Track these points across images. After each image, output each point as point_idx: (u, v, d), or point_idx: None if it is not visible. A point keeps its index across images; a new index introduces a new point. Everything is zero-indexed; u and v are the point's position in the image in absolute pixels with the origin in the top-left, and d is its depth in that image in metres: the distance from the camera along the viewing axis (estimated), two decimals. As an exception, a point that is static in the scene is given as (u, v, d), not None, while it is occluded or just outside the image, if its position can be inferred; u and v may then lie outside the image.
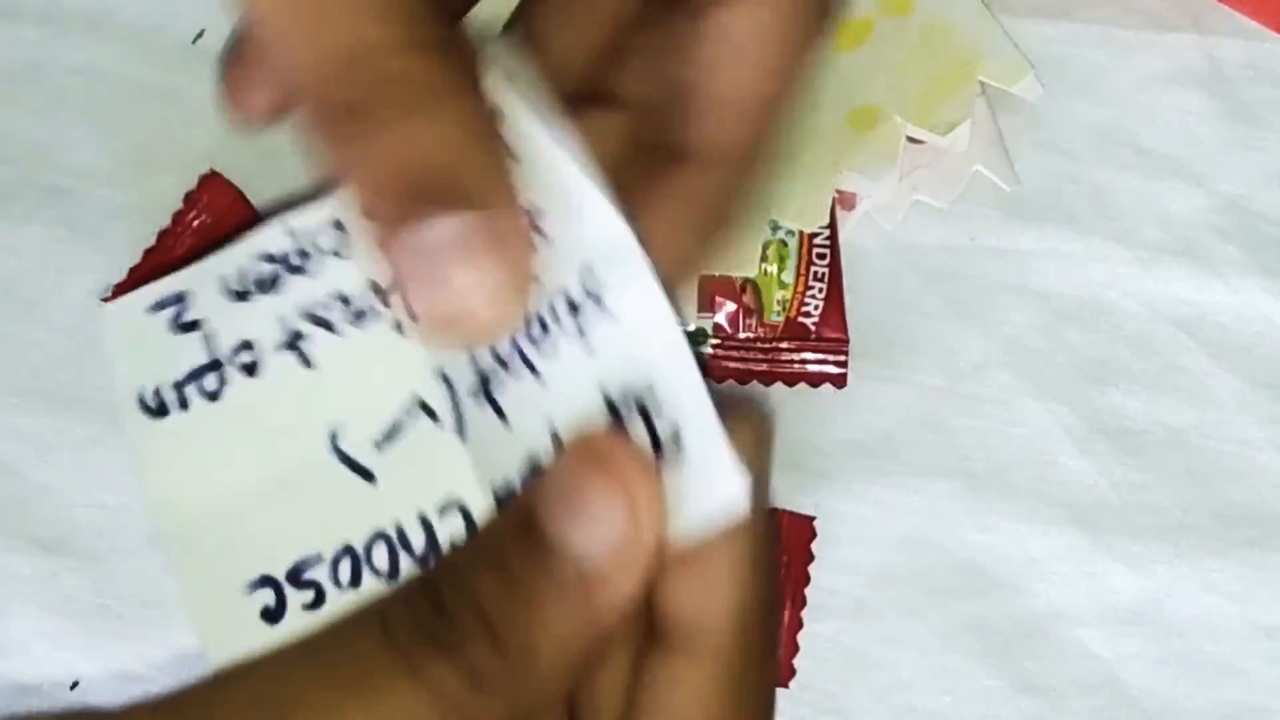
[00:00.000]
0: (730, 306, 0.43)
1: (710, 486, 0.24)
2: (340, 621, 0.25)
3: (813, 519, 0.41)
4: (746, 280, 0.43)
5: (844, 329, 0.43)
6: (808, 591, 0.40)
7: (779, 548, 0.40)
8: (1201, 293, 0.42)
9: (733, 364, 0.43)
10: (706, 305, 0.43)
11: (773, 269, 0.43)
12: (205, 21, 0.44)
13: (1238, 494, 0.41)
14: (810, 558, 0.40)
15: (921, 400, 0.42)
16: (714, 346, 0.43)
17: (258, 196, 0.43)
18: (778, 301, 0.43)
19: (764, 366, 0.43)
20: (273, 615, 0.29)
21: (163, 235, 0.43)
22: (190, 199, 0.43)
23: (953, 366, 0.42)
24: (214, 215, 0.43)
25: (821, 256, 0.43)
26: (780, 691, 0.39)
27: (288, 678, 0.25)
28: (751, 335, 0.43)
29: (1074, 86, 0.43)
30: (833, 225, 0.43)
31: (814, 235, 0.43)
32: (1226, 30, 0.42)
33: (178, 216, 0.43)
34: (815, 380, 0.42)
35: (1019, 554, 0.41)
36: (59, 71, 0.44)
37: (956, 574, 0.41)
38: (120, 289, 0.42)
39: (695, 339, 0.43)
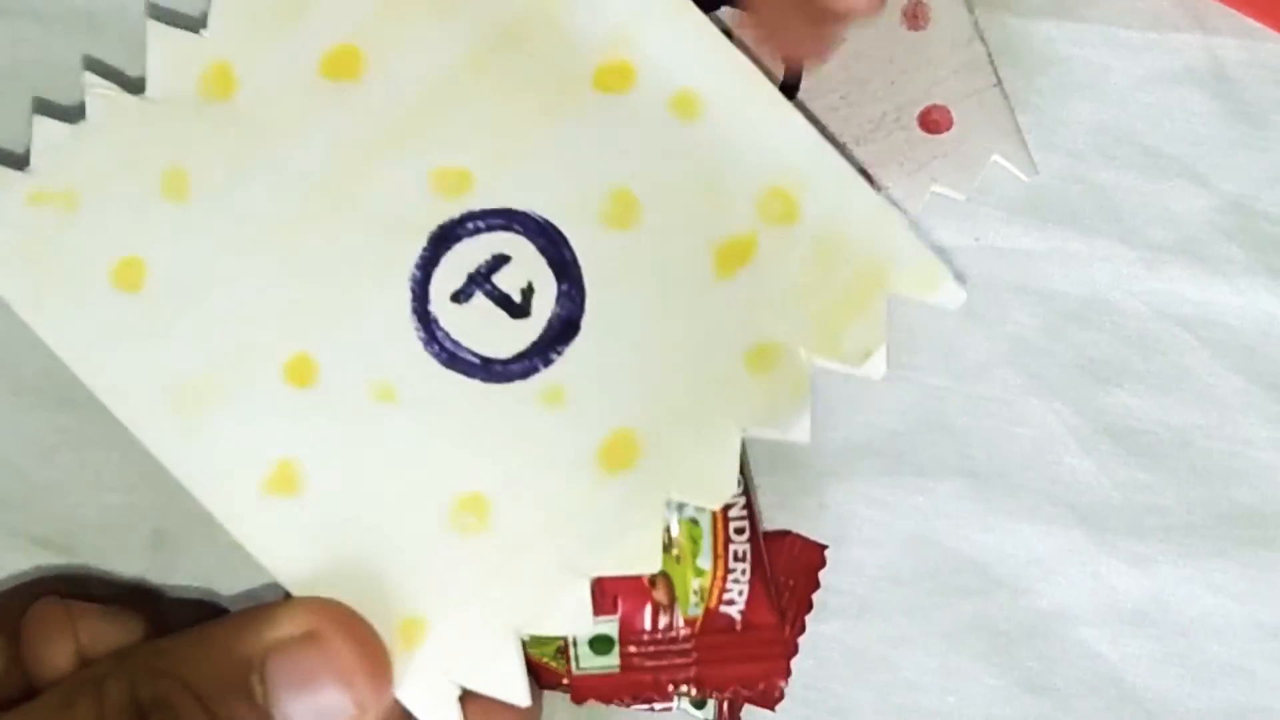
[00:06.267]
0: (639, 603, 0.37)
1: None
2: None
3: (824, 547, 0.40)
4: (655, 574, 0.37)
5: (775, 613, 0.37)
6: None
7: (787, 571, 0.40)
8: (1205, 293, 0.42)
9: (648, 667, 0.37)
10: (607, 606, 0.37)
11: (684, 554, 0.37)
12: (206, 19, 0.44)
13: (1242, 494, 0.41)
14: (816, 585, 0.40)
15: (925, 400, 0.42)
16: (623, 654, 0.37)
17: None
18: (694, 591, 0.37)
19: (691, 671, 0.37)
20: None
21: (164, 233, 0.42)
22: (191, 197, 0.42)
23: (957, 366, 0.42)
24: (215, 213, 0.42)
25: (740, 532, 0.38)
26: (783, 691, 0.39)
27: None
28: (670, 634, 0.37)
29: (1077, 86, 0.43)
30: (748, 493, 0.38)
31: (728, 508, 0.37)
32: (1230, 30, 0.42)
33: (179, 215, 0.42)
34: (751, 682, 0.38)
35: (1023, 554, 0.41)
36: (57, 70, 0.43)
37: (960, 574, 0.41)
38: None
39: (597, 647, 0.38)
